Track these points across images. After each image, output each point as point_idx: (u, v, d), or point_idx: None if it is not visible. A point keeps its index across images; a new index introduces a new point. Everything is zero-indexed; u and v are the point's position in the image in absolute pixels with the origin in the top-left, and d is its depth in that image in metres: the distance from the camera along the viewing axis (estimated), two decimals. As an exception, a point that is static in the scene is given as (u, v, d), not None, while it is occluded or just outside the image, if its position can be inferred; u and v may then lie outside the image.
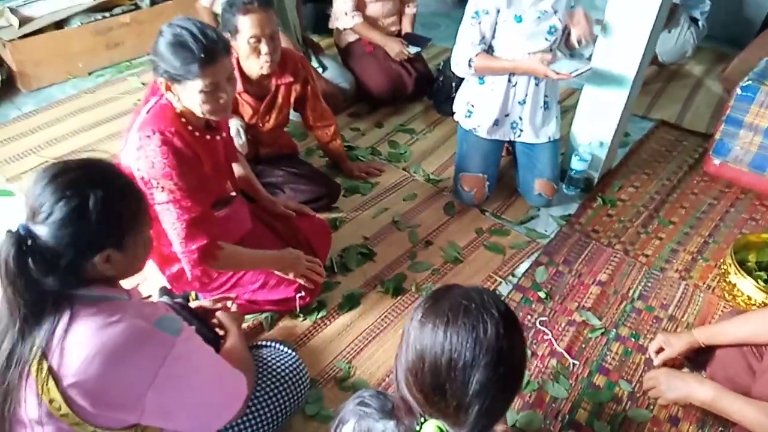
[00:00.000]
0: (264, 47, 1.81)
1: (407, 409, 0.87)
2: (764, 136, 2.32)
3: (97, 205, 0.94)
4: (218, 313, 1.49)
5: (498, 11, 2.01)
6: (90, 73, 3.07)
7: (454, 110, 2.37)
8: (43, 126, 2.66)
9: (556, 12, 2.02)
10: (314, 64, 2.83)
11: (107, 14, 3.02)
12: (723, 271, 1.93)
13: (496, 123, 2.23)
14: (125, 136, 1.49)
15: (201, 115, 1.44)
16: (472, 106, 2.25)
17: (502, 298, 1.89)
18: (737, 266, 1.83)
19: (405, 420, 0.89)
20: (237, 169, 1.90)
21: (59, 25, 2.92)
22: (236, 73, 1.92)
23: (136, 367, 0.97)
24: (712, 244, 2.18)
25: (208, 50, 1.33)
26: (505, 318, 0.83)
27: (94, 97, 2.90)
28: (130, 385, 0.97)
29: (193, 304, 1.51)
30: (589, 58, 2.22)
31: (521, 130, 2.25)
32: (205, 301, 1.54)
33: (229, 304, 1.53)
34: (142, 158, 1.40)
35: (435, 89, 2.92)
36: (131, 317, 0.99)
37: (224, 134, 1.65)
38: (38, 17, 2.85)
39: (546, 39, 2.05)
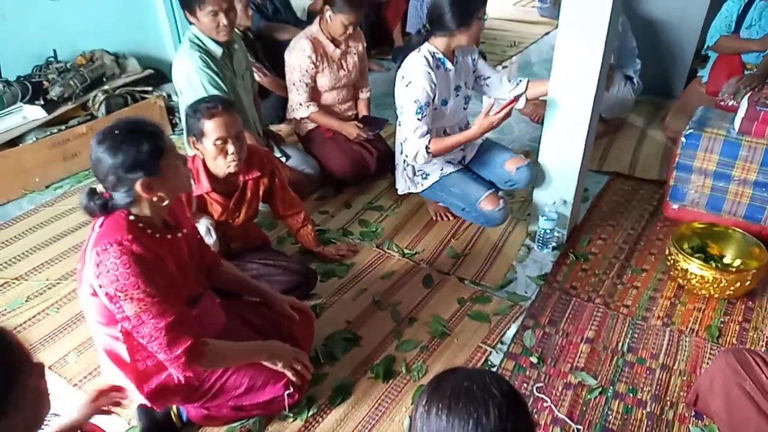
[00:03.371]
0: (231, 147, 1.83)
1: None
2: (714, 178, 2.44)
3: None
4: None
5: (433, 100, 2.26)
6: (47, 186, 3.02)
7: (404, 190, 2.61)
8: (1, 245, 2.57)
9: (469, 87, 2.42)
10: (277, 154, 2.87)
11: (63, 127, 3.01)
12: (671, 261, 2.21)
13: (451, 160, 2.52)
14: (81, 256, 1.45)
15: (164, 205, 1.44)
16: (424, 172, 2.49)
17: (495, 368, 1.88)
18: (683, 253, 2.15)
19: None
20: (229, 268, 1.87)
21: (12, 142, 2.89)
22: (203, 175, 1.93)
23: None
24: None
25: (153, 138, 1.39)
26: (508, 398, 0.83)
27: (54, 210, 2.84)
28: None
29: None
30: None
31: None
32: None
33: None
34: (103, 273, 1.34)
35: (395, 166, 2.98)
36: None
37: (185, 231, 1.61)
38: (-8, 137, 2.82)
39: (464, 108, 2.40)
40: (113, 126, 1.37)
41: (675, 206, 2.59)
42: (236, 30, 3.33)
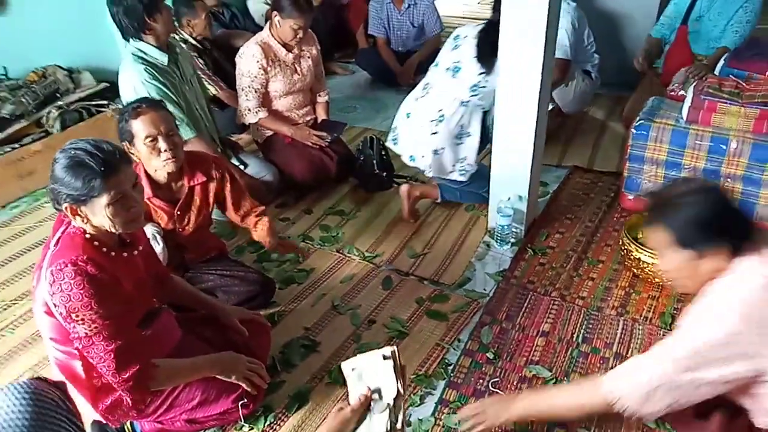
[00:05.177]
0: (162, 144, 1.81)
1: None
2: (666, 167, 2.48)
3: None
4: None
5: None
6: (3, 207, 2.97)
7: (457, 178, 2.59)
8: (-45, 269, 2.52)
9: None
10: (235, 162, 2.86)
11: (16, 145, 2.96)
12: (625, 251, 2.24)
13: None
14: (36, 273, 1.44)
15: (115, 231, 1.41)
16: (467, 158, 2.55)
17: (451, 366, 1.89)
18: (635, 243, 2.16)
19: None
20: (178, 281, 1.86)
21: (-35, 162, 2.84)
22: (143, 180, 1.91)
23: None
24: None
25: (107, 162, 1.34)
26: None
27: (11, 229, 2.79)
28: None
29: None
30: None
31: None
32: None
33: None
34: (57, 293, 1.35)
35: (357, 168, 2.99)
36: None
37: (141, 248, 1.61)
38: (-58, 158, 2.77)
39: None
40: (72, 144, 1.36)
41: (630, 197, 2.63)
42: (189, 37, 3.35)
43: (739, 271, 1.25)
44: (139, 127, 1.79)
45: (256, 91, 2.80)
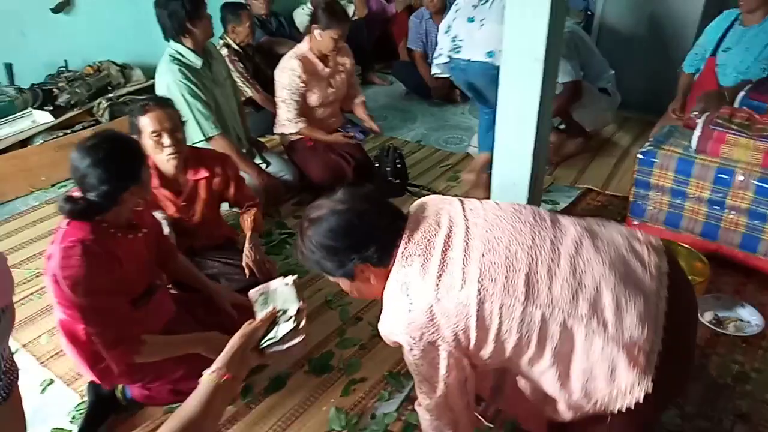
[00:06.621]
0: (166, 140, 1.97)
1: None
2: (671, 195, 2.47)
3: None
4: None
5: None
6: (53, 185, 3.28)
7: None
8: (2, 237, 2.81)
9: None
10: (258, 160, 3.05)
11: (69, 131, 3.27)
12: None
13: None
14: (49, 248, 1.62)
15: None
16: None
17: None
18: None
19: None
20: (184, 261, 2.03)
21: (23, 143, 3.16)
22: (153, 171, 2.10)
23: None
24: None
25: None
26: None
27: (55, 206, 3.07)
28: None
29: None
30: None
31: None
32: None
33: None
34: (65, 267, 1.52)
35: (374, 175, 3.12)
36: None
37: (144, 230, 1.78)
38: (2, 138, 3.09)
39: None
40: (94, 141, 1.56)
41: (636, 222, 2.62)
42: (232, 42, 3.58)
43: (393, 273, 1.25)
44: (146, 122, 1.97)
45: (296, 102, 2.96)
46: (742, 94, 2.66)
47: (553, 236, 1.25)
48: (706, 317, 2.13)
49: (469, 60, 2.75)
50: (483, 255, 1.20)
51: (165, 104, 2.02)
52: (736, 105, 2.62)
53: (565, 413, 1.29)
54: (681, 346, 1.26)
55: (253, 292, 1.42)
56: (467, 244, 1.22)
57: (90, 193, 1.54)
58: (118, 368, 1.65)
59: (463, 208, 1.32)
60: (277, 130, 3.13)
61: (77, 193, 1.59)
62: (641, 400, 1.17)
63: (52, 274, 1.59)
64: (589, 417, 1.26)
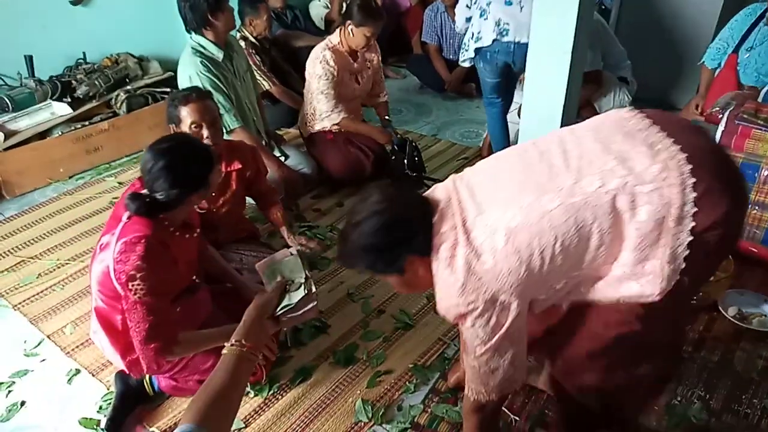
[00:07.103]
0: (205, 132, 2.01)
1: None
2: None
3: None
4: None
5: None
6: (71, 177, 3.29)
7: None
8: (23, 228, 2.82)
9: None
10: (276, 153, 3.05)
11: (87, 123, 3.27)
12: None
13: None
14: (105, 238, 1.64)
15: None
16: None
17: (447, 361, 1.98)
18: None
19: None
20: (213, 254, 2.05)
21: (42, 135, 3.17)
22: None
23: None
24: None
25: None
26: None
27: (73, 198, 3.09)
28: None
29: None
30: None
31: None
32: None
33: None
34: (123, 261, 1.53)
35: (390, 167, 3.12)
36: None
37: (198, 231, 1.81)
38: (22, 130, 3.10)
39: None
40: (169, 144, 1.59)
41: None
42: (250, 35, 3.57)
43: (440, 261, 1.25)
44: (187, 113, 1.99)
45: (334, 92, 2.94)
46: (765, 90, 2.64)
47: (545, 149, 1.30)
48: (730, 312, 2.13)
49: (518, 42, 2.77)
50: (490, 197, 1.26)
51: (206, 96, 2.05)
52: (759, 100, 2.61)
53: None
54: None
55: (260, 265, 1.49)
56: (473, 199, 1.28)
57: (158, 193, 1.56)
58: (148, 364, 1.66)
59: (461, 176, 1.39)
60: (316, 126, 3.07)
61: (143, 191, 1.61)
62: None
63: (105, 264, 1.61)
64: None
